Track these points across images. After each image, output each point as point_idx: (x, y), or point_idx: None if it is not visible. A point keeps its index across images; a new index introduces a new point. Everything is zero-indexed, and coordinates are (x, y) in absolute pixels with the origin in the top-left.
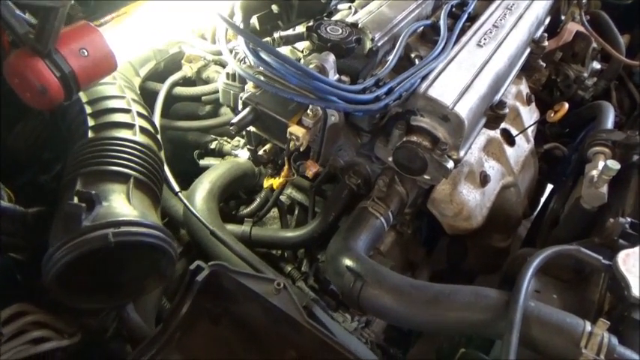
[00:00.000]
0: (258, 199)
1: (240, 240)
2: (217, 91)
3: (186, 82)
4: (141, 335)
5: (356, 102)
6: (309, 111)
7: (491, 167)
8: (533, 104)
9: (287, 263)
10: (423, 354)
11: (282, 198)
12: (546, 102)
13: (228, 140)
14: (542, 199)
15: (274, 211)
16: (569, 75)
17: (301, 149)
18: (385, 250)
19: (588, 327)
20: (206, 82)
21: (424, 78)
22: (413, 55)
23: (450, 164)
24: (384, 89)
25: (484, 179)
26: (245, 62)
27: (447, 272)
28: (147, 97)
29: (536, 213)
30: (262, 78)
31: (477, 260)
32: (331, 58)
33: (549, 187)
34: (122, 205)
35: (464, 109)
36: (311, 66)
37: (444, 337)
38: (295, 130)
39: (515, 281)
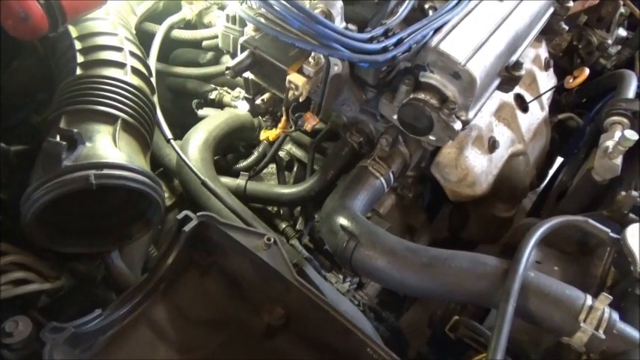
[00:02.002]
0: (255, 153)
1: (234, 194)
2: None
3: (187, 26)
4: (125, 283)
5: (362, 51)
6: (310, 59)
7: (501, 133)
8: (552, 70)
9: (282, 220)
10: (417, 319)
11: (281, 154)
12: (565, 69)
13: (229, 91)
14: (551, 172)
15: (272, 167)
16: (591, 41)
17: (300, 100)
18: (384, 212)
19: (589, 301)
20: (207, 27)
21: (437, 31)
22: (427, 7)
23: (458, 125)
24: (393, 40)
25: (492, 145)
26: (246, 3)
27: (447, 241)
28: (143, 39)
29: (543, 185)
30: (263, 20)
31: (477, 229)
32: (338, 3)
33: (559, 160)
34: (107, 146)
35: (477, 67)
36: (316, 10)
37: (437, 304)
38: (295, 78)
39: (517, 249)
